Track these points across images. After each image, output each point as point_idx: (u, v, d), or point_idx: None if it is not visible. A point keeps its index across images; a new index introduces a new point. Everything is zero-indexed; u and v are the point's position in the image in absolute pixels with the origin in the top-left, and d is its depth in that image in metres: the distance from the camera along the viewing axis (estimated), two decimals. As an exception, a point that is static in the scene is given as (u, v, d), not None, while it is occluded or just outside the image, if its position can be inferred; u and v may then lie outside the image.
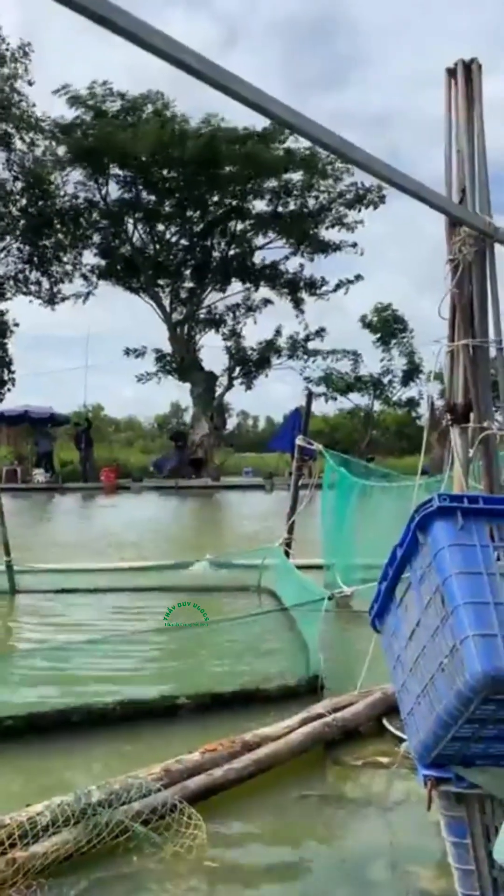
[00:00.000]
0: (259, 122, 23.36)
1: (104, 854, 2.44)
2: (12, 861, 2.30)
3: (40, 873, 2.31)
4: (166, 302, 26.75)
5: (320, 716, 3.37)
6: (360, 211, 25.30)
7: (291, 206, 25.65)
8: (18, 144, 23.47)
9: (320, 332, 26.94)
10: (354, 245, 26.08)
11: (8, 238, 24.68)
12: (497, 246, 3.34)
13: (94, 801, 2.55)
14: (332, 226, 25.73)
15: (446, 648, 1.92)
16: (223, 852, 2.51)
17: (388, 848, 2.54)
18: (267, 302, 27.15)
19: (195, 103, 24.02)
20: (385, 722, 3.45)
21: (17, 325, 24.86)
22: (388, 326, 27.66)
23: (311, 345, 27.19)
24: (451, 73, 3.51)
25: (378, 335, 27.91)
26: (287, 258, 26.61)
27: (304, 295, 26.78)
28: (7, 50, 22.75)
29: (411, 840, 2.58)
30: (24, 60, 22.96)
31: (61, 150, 24.19)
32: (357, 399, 29.49)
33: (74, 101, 23.72)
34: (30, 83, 23.18)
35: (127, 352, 27.15)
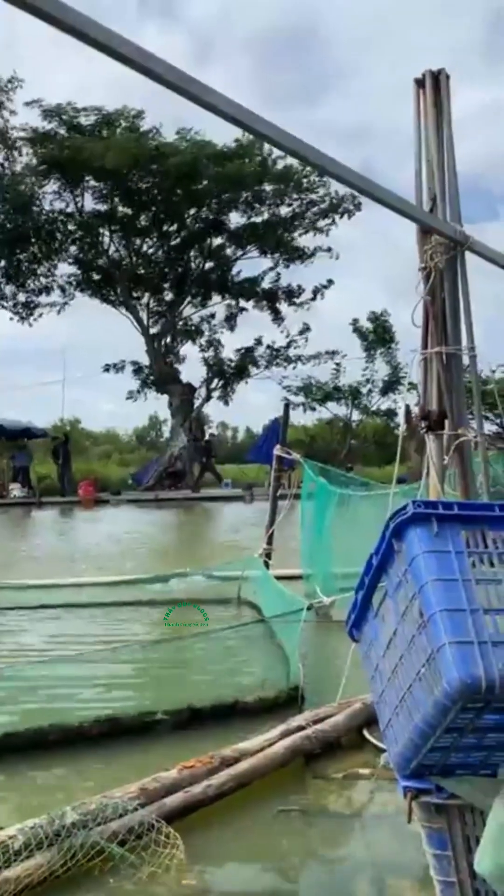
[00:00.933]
0: (230, 131, 23.55)
1: (80, 876, 2.37)
2: (-16, 887, 2.23)
3: (13, 899, 2.24)
4: (143, 314, 26.73)
5: (300, 728, 3.33)
6: (333, 221, 25.55)
7: (265, 215, 25.83)
8: None
9: (304, 332, 26.97)
10: (329, 250, 26.29)
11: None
12: (468, 254, 3.37)
13: (68, 822, 2.48)
14: (306, 231, 25.93)
15: (423, 657, 1.90)
16: (202, 871, 2.46)
17: (370, 861, 2.50)
18: (242, 310, 27.21)
19: (175, 118, 24.12)
20: (366, 733, 3.43)
21: None
22: (379, 334, 27.82)
23: (292, 351, 27.27)
24: (420, 83, 3.55)
25: (367, 342, 28.04)
26: (266, 273, 26.76)
27: (282, 305, 26.92)
28: None
29: (393, 853, 2.54)
30: (11, 92, 22.96)
31: (36, 161, 24.13)
32: (336, 409, 29.63)
33: (48, 114, 23.73)
34: (12, 112, 23.16)
35: (107, 368, 27.07)
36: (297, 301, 26.88)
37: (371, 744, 3.35)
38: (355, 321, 28.11)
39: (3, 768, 3.30)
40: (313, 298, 26.84)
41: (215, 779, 2.87)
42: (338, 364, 27.94)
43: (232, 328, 27.30)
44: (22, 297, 25.13)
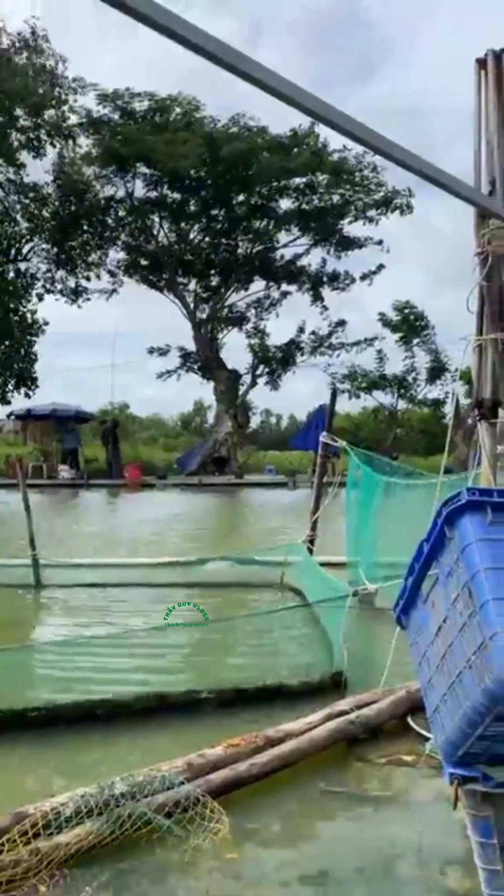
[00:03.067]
0: (287, 119, 23.36)
1: (127, 846, 2.44)
2: (36, 851, 2.32)
3: (64, 863, 2.32)
4: (190, 300, 26.85)
5: (343, 713, 3.35)
6: (385, 212, 25.15)
7: (316, 203, 25.58)
8: (50, 149, 23.76)
9: (341, 324, 26.81)
10: (380, 242, 25.95)
11: (35, 239, 24.94)
12: (527, 238, 3.28)
13: (117, 792, 2.55)
14: (356, 220, 25.61)
15: (474, 645, 1.89)
16: (245, 846, 2.50)
17: (413, 846, 2.51)
18: (286, 294, 27.09)
19: (220, 102, 24.15)
20: (409, 720, 3.42)
21: (46, 323, 25.10)
22: (408, 324, 27.45)
23: (335, 339, 27.09)
24: (481, 62, 3.46)
25: (400, 334, 27.70)
26: (308, 252, 26.53)
27: (326, 290, 26.72)
28: (59, 71, 22.92)
29: (436, 839, 2.54)
30: (72, 93, 23.19)
31: (89, 147, 24.38)
32: (381, 397, 29.33)
33: (103, 99, 23.89)
34: (71, 109, 23.35)
35: (151, 350, 27.34)
36: (342, 285, 26.63)
37: (414, 731, 3.34)
38: (382, 315, 27.77)
39: (53, 740, 3.41)
40: (362, 279, 26.50)
41: (259, 757, 2.91)
42: (380, 351, 27.65)
43: (276, 313, 27.21)
44: (72, 283, 25.54)
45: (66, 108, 23.33)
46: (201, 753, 2.90)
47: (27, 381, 24.51)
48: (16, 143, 23.36)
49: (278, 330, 28.94)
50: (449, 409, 26.89)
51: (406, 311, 27.53)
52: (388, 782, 2.98)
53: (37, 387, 24.80)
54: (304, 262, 26.84)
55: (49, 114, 23.04)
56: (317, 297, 26.75)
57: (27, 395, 24.86)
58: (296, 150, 23.96)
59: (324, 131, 23.99)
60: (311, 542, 7.39)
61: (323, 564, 6.84)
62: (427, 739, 3.18)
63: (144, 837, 2.47)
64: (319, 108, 2.41)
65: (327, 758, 3.11)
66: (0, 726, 3.41)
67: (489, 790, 2.05)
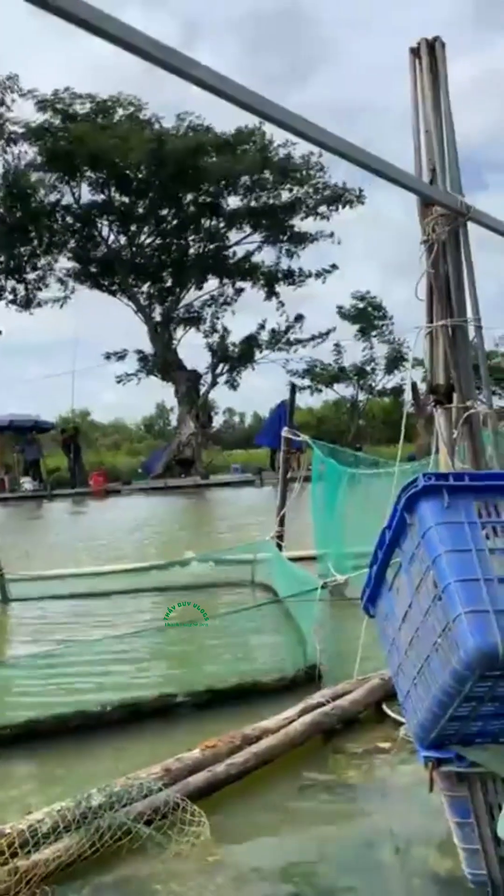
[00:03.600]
0: (230, 117, 23.34)
1: (108, 857, 2.41)
2: (14, 870, 2.27)
3: (44, 881, 2.28)
4: (144, 302, 26.64)
5: (319, 705, 3.36)
6: (336, 208, 25.36)
7: (265, 200, 25.64)
8: None
9: (299, 319, 26.95)
10: (331, 235, 26.14)
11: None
12: (470, 224, 3.33)
13: (94, 804, 2.52)
14: (307, 216, 25.77)
15: (439, 628, 1.91)
16: (228, 848, 2.49)
17: (394, 832, 2.53)
18: (240, 291, 27.10)
19: (162, 102, 24.04)
20: (384, 707, 3.45)
21: None
22: (366, 315, 27.73)
23: (293, 335, 27.21)
24: (415, 52, 3.49)
25: (358, 325, 27.97)
26: (260, 248, 26.58)
27: (281, 286, 26.79)
28: None
29: (416, 823, 2.57)
30: (8, 90, 22.77)
31: (32, 154, 24.04)
32: (342, 390, 29.57)
33: (42, 104, 23.54)
34: (8, 108, 22.99)
35: (108, 356, 27.07)
36: (297, 281, 26.74)
37: (390, 718, 3.37)
38: (339, 307, 28.02)
39: (27, 754, 3.35)
40: (315, 277, 26.68)
41: (237, 757, 2.90)
42: (337, 345, 27.89)
43: (232, 311, 27.21)
44: (22, 291, 25.11)
45: (2, 108, 22.90)
46: (178, 758, 2.88)
47: None
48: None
49: (236, 328, 28.91)
50: (408, 397, 27.30)
51: (364, 301, 27.79)
52: (365, 771, 3.00)
53: None
54: (257, 258, 26.92)
55: None
56: (272, 294, 26.84)
57: None
58: (241, 148, 23.97)
59: (269, 130, 24.11)
60: (280, 537, 7.41)
61: (293, 559, 6.86)
62: (402, 725, 3.21)
63: (125, 847, 2.44)
64: (266, 107, 2.40)
65: (305, 751, 3.12)
66: (-29, 747, 3.34)
67: (463, 770, 2.08)
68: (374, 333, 28.00)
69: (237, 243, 26.85)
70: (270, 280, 26.73)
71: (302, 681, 4.02)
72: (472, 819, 2.10)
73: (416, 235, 3.36)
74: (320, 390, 28.76)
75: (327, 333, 27.52)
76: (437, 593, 1.91)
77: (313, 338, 27.32)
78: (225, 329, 27.20)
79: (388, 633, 2.25)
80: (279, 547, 7.29)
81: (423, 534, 1.98)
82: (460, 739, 2.07)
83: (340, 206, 25.34)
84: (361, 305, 27.93)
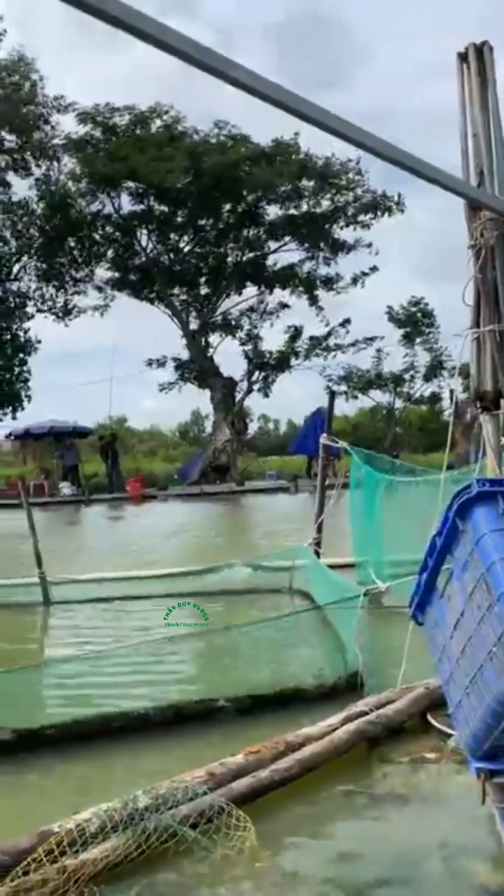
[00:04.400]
0: (266, 123, 23.46)
1: (154, 859, 2.42)
2: (63, 869, 2.30)
3: (91, 880, 2.30)
4: (182, 310, 26.87)
5: (363, 714, 3.33)
6: (375, 216, 25.28)
7: (304, 208, 25.69)
8: (35, 170, 23.91)
9: (344, 324, 26.85)
10: (369, 245, 26.05)
11: (24, 257, 25.02)
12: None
13: (140, 806, 2.53)
14: (347, 225, 25.73)
15: (494, 636, 1.87)
16: (273, 853, 2.48)
17: (442, 843, 2.49)
18: (284, 306, 27.18)
19: (197, 110, 24.35)
20: (430, 717, 3.40)
21: (39, 341, 25.12)
22: (415, 321, 27.47)
23: (332, 340, 27.11)
24: (463, 56, 3.48)
25: (404, 329, 27.71)
26: (302, 262, 26.64)
27: (320, 292, 26.76)
28: (38, 90, 23.06)
29: (465, 835, 2.52)
30: (55, 111, 23.35)
31: (73, 166, 24.53)
32: (378, 396, 29.34)
33: (83, 117, 24.00)
34: (53, 128, 23.51)
35: (149, 362, 27.36)
36: (336, 287, 26.68)
37: (435, 728, 3.32)
38: (389, 308, 27.79)
39: (71, 756, 3.39)
40: (353, 284, 26.60)
41: (281, 763, 2.89)
42: (378, 351, 27.69)
43: (272, 324, 27.27)
44: (61, 300, 25.59)
45: (48, 128, 23.46)
46: (222, 762, 2.88)
47: (13, 401, 24.46)
48: (3, 164, 23.49)
49: (272, 334, 28.95)
50: (447, 404, 26.98)
51: (417, 307, 27.53)
52: (412, 781, 2.96)
53: (22, 408, 24.76)
54: (295, 267, 26.90)
55: (35, 136, 23.17)
56: (312, 300, 26.81)
57: (13, 416, 24.88)
58: (279, 159, 24.06)
59: (307, 139, 24.19)
60: (318, 544, 7.38)
61: (331, 566, 6.82)
62: (448, 736, 3.16)
63: (171, 850, 2.45)
64: (303, 107, 2.41)
65: (349, 760, 3.09)
66: (17, 745, 3.39)
67: (517, 782, 2.03)
68: (418, 341, 27.73)
69: (275, 251, 26.96)
70: (310, 287, 26.73)
71: (342, 689, 3.99)
72: (526, 832, 2.05)
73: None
74: (356, 397, 28.59)
75: (372, 339, 27.36)
76: (492, 602, 1.88)
77: (355, 343, 27.18)
78: (258, 336, 27.28)
79: (439, 641, 2.22)
80: (317, 554, 7.26)
81: (476, 540, 1.95)
82: (514, 751, 2.03)
83: (380, 214, 25.26)
84: (413, 310, 27.66)
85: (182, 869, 2.40)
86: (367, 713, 3.32)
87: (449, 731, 3.15)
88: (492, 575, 1.87)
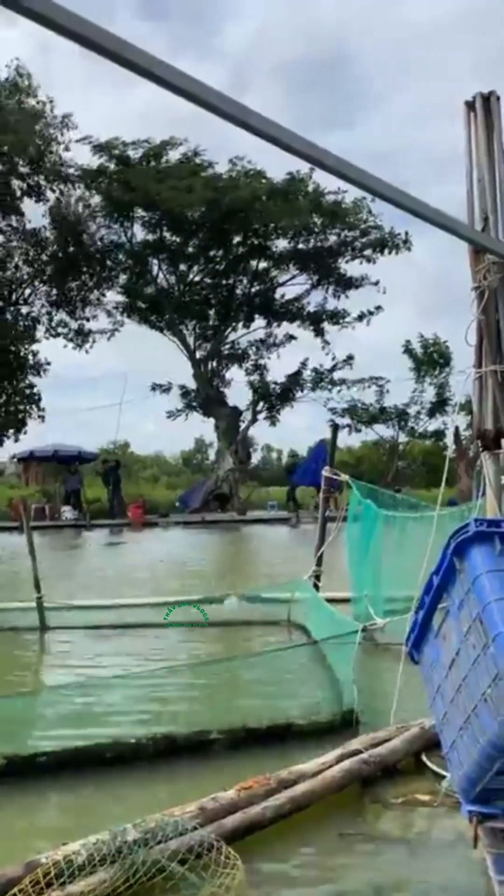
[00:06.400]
0: (279, 159, 23.93)
1: (141, 894, 2.39)
2: (48, 902, 2.27)
3: (77, 914, 2.27)
4: (190, 339, 27.13)
5: (357, 752, 3.29)
6: (382, 252, 25.63)
7: (313, 243, 26.07)
8: (49, 194, 24.31)
9: (349, 361, 27.06)
10: (376, 283, 26.38)
11: (35, 282, 25.36)
12: (522, 272, 3.34)
13: (129, 839, 2.51)
14: (353, 259, 26.06)
15: (489, 677, 1.88)
16: (262, 893, 2.44)
17: (434, 888, 2.45)
18: (291, 338, 27.42)
19: (208, 141, 24.84)
20: (424, 758, 3.36)
21: (48, 363, 25.32)
22: (433, 358, 27.65)
23: (337, 375, 27.28)
24: (470, 105, 3.58)
25: (416, 365, 27.87)
26: (308, 293, 26.94)
27: (326, 326, 27.01)
28: (48, 110, 23.56)
29: (457, 879, 2.48)
30: (64, 129, 23.84)
31: (88, 196, 24.96)
32: (382, 430, 29.38)
33: (98, 149, 24.51)
34: (66, 149, 24.01)
35: (154, 388, 27.51)
36: (343, 322, 26.95)
37: (429, 769, 3.28)
38: (407, 342, 27.99)
39: (62, 785, 3.35)
40: (358, 319, 26.87)
41: (273, 800, 2.86)
42: (381, 385, 27.82)
43: (279, 355, 27.48)
44: (74, 325, 25.85)
45: (60, 148, 23.86)
46: (214, 797, 2.85)
47: (17, 423, 24.55)
48: (18, 192, 23.92)
49: (278, 366, 29.12)
50: (451, 440, 26.99)
51: (435, 346, 27.71)
52: (405, 823, 2.92)
53: (25, 432, 24.85)
54: (303, 300, 27.25)
55: (47, 159, 23.58)
56: (318, 333, 27.07)
57: (15, 438, 24.95)
58: (293, 193, 24.51)
59: (319, 175, 24.65)
60: (317, 577, 7.35)
61: (329, 600, 6.78)
62: (443, 777, 3.13)
63: (159, 885, 2.42)
64: (321, 156, 2.48)
65: (342, 799, 3.05)
66: (8, 772, 3.36)
67: (510, 827, 2.01)
68: (428, 381, 27.89)
69: (283, 284, 27.28)
70: (317, 320, 27.00)
71: (338, 725, 3.95)
72: (518, 879, 2.03)
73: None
74: (360, 430, 28.64)
75: (378, 379, 27.55)
76: (487, 642, 1.89)
77: (359, 381, 27.33)
78: (264, 367, 27.47)
79: (434, 680, 2.21)
80: (316, 587, 7.22)
81: (473, 580, 1.96)
82: (507, 795, 2.01)
83: (389, 252, 25.61)
84: (428, 348, 27.86)
85: (169, 906, 2.36)
86: (360, 752, 3.29)
87: (443, 772, 3.11)
88: (487, 615, 1.88)
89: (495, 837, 2.03)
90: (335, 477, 7.69)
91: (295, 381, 27.36)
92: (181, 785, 3.27)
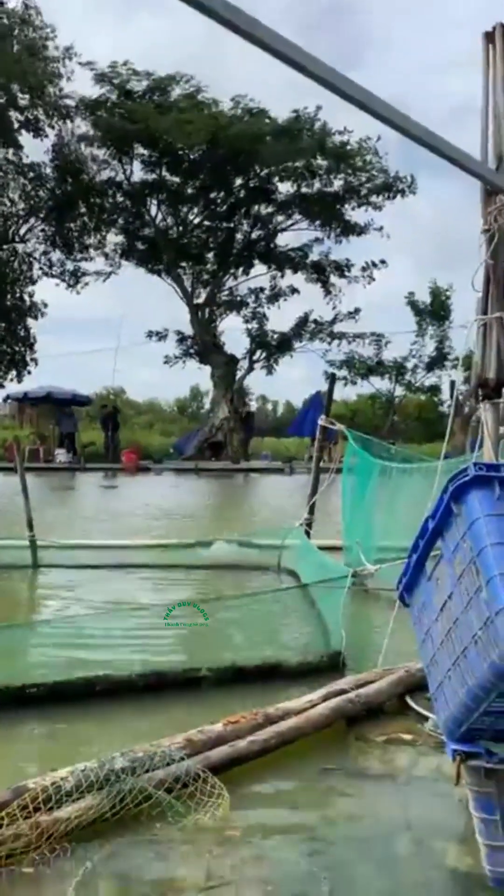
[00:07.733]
0: (283, 100, 23.14)
1: (127, 821, 2.44)
2: (36, 825, 2.31)
3: (64, 837, 2.32)
4: (188, 284, 26.65)
5: (343, 692, 3.35)
6: (388, 197, 25.03)
7: (317, 186, 25.40)
8: (48, 130, 23.48)
9: (353, 314, 26.72)
10: (381, 228, 25.82)
11: (32, 220, 24.73)
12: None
13: (117, 767, 2.55)
14: (359, 206, 25.48)
15: (480, 620, 1.88)
16: (245, 822, 2.50)
17: (413, 823, 2.51)
18: (294, 290, 26.96)
19: (215, 84, 23.87)
20: (409, 700, 3.42)
21: (45, 305, 24.90)
22: (436, 309, 27.35)
23: (338, 327, 26.98)
24: (489, 35, 3.41)
25: (419, 317, 27.58)
26: (313, 243, 26.40)
27: (332, 277, 26.56)
28: (49, 43, 22.50)
29: (437, 816, 2.55)
30: (66, 60, 22.82)
31: (87, 128, 24.12)
32: (378, 383, 29.27)
33: (100, 78, 23.56)
34: (68, 79, 23.03)
35: (150, 334, 27.21)
36: (348, 275, 26.48)
37: (413, 711, 3.34)
38: (411, 294, 27.62)
39: (53, 716, 3.41)
40: (362, 272, 26.41)
41: (259, 734, 2.91)
42: (379, 338, 27.58)
43: (279, 306, 27.07)
44: (70, 266, 25.33)
45: (63, 81, 22.95)
46: (201, 730, 2.90)
47: (18, 364, 24.32)
48: (16, 124, 23.07)
49: (278, 316, 28.77)
50: (446, 396, 26.94)
51: (440, 295, 27.35)
52: (387, 760, 2.98)
53: (28, 372, 24.63)
54: (305, 249, 26.68)
55: (47, 91, 22.67)
56: (324, 285, 26.61)
57: (18, 380, 24.74)
58: (298, 133, 23.74)
59: (325, 114, 23.83)
60: (309, 525, 7.39)
61: (321, 548, 6.84)
62: (426, 719, 3.19)
63: (145, 813, 2.47)
64: (334, 78, 2.37)
65: (326, 736, 3.11)
66: (0, 703, 3.40)
67: (492, 766, 2.05)
68: (430, 333, 27.63)
69: (285, 229, 26.68)
70: (319, 271, 26.51)
71: (325, 667, 4.01)
72: (498, 816, 2.07)
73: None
74: (356, 382, 28.52)
75: (379, 336, 27.26)
76: (481, 586, 1.88)
77: (358, 336, 27.00)
78: (263, 315, 27.09)
79: (424, 622, 2.22)
80: (307, 534, 7.27)
81: (469, 524, 1.94)
82: (492, 735, 2.04)
83: (392, 196, 25.02)
84: (436, 301, 27.50)
85: (154, 832, 2.42)
86: (347, 691, 3.34)
87: (427, 713, 3.17)
88: (482, 559, 1.87)
89: (478, 776, 2.06)
90: (331, 426, 7.66)
91: (297, 331, 27.03)
92: (170, 719, 3.33)
